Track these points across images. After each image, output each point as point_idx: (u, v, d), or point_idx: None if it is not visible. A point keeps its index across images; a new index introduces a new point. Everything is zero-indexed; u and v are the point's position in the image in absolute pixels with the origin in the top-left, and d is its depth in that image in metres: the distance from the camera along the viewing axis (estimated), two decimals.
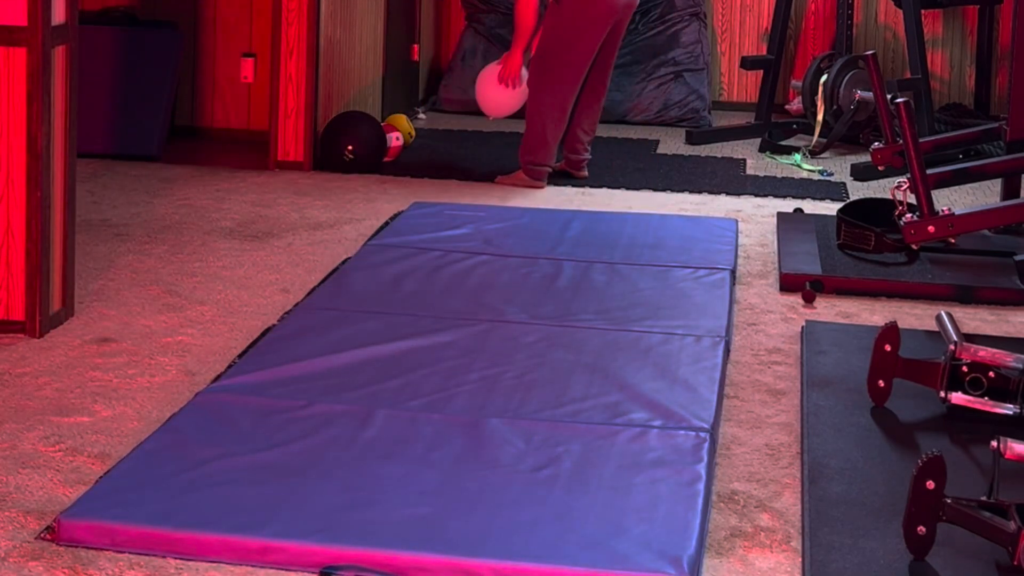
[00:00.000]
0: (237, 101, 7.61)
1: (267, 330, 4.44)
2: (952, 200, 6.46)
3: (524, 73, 6.73)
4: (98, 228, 5.67)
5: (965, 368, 3.77)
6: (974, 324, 4.78)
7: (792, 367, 4.31)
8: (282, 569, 2.92)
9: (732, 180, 6.99)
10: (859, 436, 3.69)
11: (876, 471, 3.46)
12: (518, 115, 6.98)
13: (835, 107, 7.61)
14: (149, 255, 5.32)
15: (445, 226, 5.68)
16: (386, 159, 7.06)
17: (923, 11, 7.75)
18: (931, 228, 5.16)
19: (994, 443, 3.03)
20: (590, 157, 6.91)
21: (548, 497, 3.22)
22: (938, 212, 5.19)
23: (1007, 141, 5.73)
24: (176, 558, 2.94)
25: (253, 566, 2.93)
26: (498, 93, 6.82)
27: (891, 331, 3.86)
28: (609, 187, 6.76)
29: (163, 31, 7.24)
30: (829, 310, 4.91)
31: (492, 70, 6.87)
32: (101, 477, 3.30)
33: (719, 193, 6.70)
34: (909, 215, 5.22)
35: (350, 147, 6.80)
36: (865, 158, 6.90)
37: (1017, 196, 5.75)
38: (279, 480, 3.26)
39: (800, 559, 3.05)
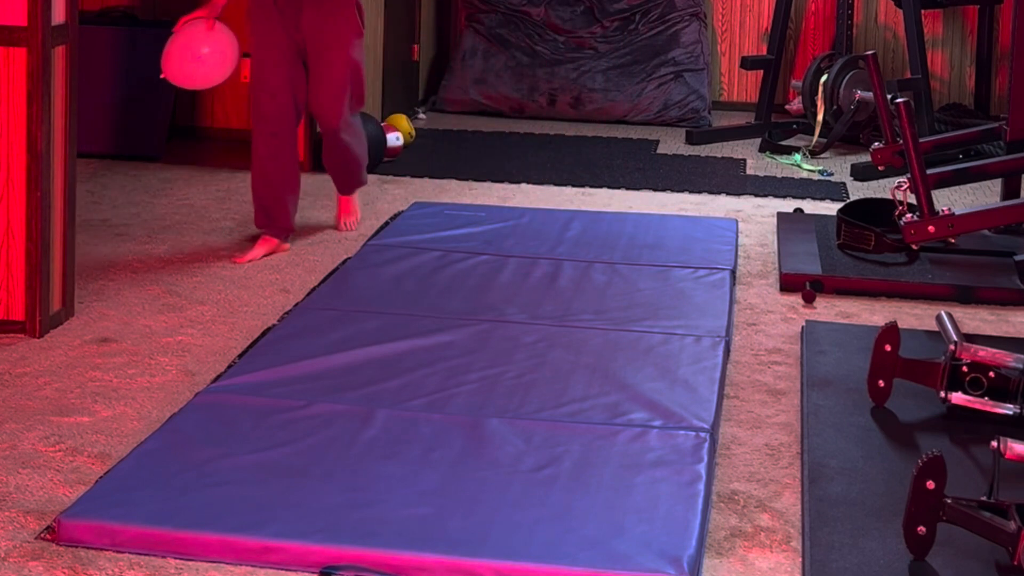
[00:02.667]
0: (237, 101, 7.60)
1: (267, 330, 4.44)
2: (952, 200, 6.46)
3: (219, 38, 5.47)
4: (98, 228, 5.67)
5: (965, 368, 3.77)
6: (974, 324, 4.78)
7: (792, 367, 4.31)
8: (282, 569, 2.92)
9: (732, 180, 6.99)
10: (859, 436, 3.69)
11: (876, 471, 3.46)
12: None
13: (835, 107, 7.61)
14: (149, 255, 5.32)
15: (445, 226, 5.68)
16: (386, 159, 7.06)
17: (923, 11, 7.75)
18: (931, 228, 5.16)
19: (994, 443, 3.03)
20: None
21: (548, 497, 3.22)
22: (938, 212, 5.19)
23: (1007, 141, 5.73)
24: (176, 558, 2.94)
25: (253, 566, 2.93)
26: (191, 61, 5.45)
27: (891, 331, 3.86)
28: (609, 187, 6.76)
29: (163, 31, 7.23)
30: (829, 310, 4.91)
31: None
32: (101, 477, 3.30)
33: (719, 193, 6.70)
34: (909, 215, 5.22)
35: None
36: (865, 158, 6.90)
37: (1017, 196, 5.74)
38: (279, 480, 3.26)
39: (800, 559, 3.06)
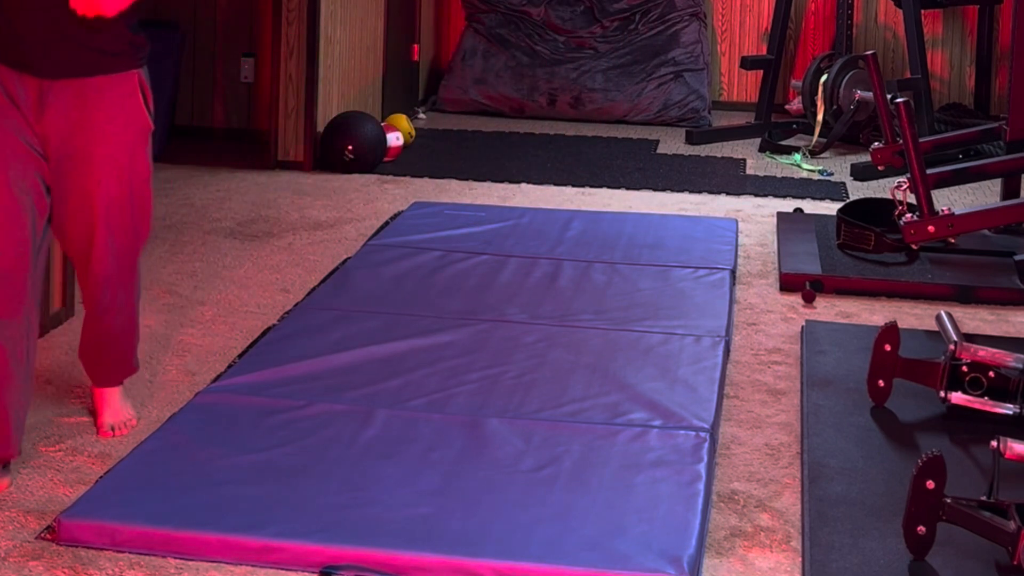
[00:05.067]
0: (237, 101, 7.61)
1: (267, 330, 4.44)
2: (952, 200, 6.46)
3: None
4: None
5: (965, 368, 3.77)
6: (974, 324, 4.78)
7: (792, 367, 4.31)
8: (282, 569, 2.92)
9: (732, 180, 6.99)
10: (859, 436, 3.69)
11: (876, 471, 3.46)
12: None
13: (835, 107, 7.61)
14: (149, 255, 5.31)
15: (445, 226, 5.68)
16: (386, 159, 7.06)
17: (923, 11, 7.75)
18: (931, 228, 5.16)
19: (994, 443, 3.03)
20: None
21: (548, 497, 3.22)
22: (938, 212, 5.19)
23: (1007, 141, 5.73)
24: (176, 558, 2.94)
25: (253, 566, 2.93)
26: None
27: (891, 331, 3.86)
28: (609, 187, 6.76)
29: (163, 31, 7.24)
30: (829, 310, 4.91)
31: None
32: (101, 477, 3.30)
33: (719, 193, 6.70)
34: (909, 215, 5.22)
35: (350, 147, 6.80)
36: (865, 158, 6.90)
37: (1017, 196, 5.75)
38: (279, 480, 3.26)
39: (800, 559, 3.06)
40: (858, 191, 6.77)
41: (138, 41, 3.40)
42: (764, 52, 8.39)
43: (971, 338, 4.09)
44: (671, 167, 7.26)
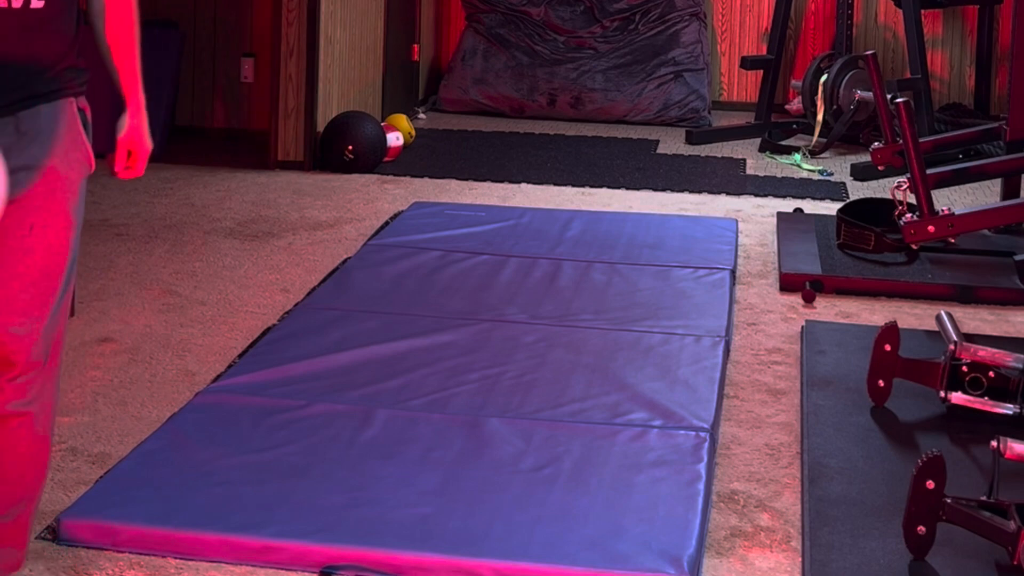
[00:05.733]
0: (237, 101, 7.61)
1: (267, 330, 4.44)
2: (952, 200, 6.46)
3: None
4: (98, 228, 5.67)
5: (965, 368, 3.77)
6: (974, 324, 4.78)
7: (792, 367, 4.31)
8: (282, 569, 2.92)
9: (732, 180, 6.99)
10: (859, 436, 3.69)
11: (876, 471, 3.46)
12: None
13: (835, 107, 7.61)
14: (149, 255, 5.32)
15: (445, 226, 5.68)
16: (386, 159, 7.06)
17: (923, 11, 7.75)
18: (931, 228, 5.16)
19: (994, 443, 3.03)
20: None
21: (548, 497, 3.22)
22: (938, 212, 5.19)
23: (1007, 141, 5.73)
24: (176, 558, 2.94)
25: (253, 566, 2.93)
26: None
27: (891, 331, 3.86)
28: (609, 187, 6.76)
29: (163, 31, 7.25)
30: (829, 310, 4.91)
31: None
32: (101, 477, 3.30)
33: (719, 193, 6.70)
34: (909, 215, 5.22)
35: (350, 147, 6.80)
36: (865, 158, 6.90)
37: (1017, 196, 5.75)
38: (279, 480, 3.26)
39: (800, 559, 3.05)
40: (858, 191, 6.77)
41: (78, 65, 2.75)
42: (764, 52, 8.39)
43: (971, 338, 4.09)
44: (671, 167, 7.26)
